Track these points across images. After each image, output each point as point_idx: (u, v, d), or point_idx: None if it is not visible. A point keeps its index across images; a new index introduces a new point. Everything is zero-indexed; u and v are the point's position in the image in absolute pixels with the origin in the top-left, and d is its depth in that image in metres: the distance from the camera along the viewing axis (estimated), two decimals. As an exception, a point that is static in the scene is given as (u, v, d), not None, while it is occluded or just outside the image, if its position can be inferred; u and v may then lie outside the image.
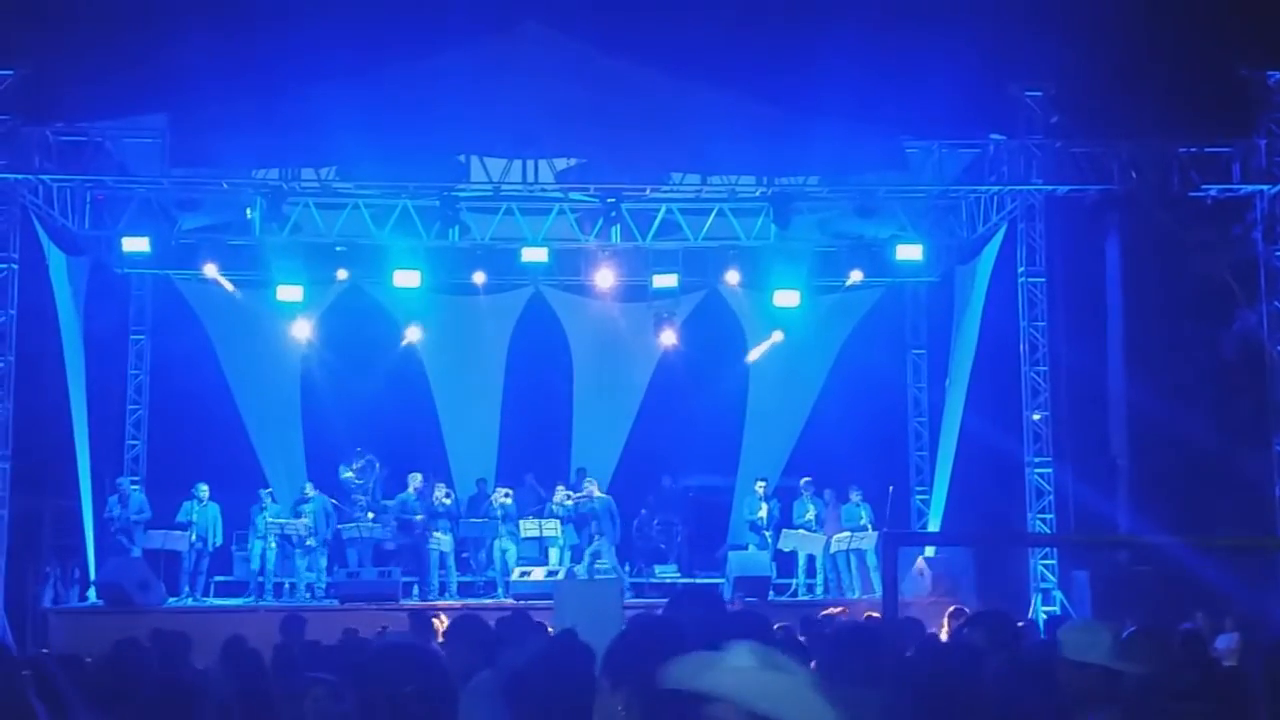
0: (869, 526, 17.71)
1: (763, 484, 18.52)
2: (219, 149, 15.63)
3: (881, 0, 16.42)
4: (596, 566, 17.69)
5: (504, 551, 17.75)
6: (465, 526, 17.99)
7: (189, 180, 16.46)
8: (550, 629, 8.33)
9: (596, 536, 17.87)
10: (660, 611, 4.71)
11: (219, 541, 17.79)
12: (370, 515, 18.05)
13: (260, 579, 17.55)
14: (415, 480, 17.98)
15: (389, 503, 18.14)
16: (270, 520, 17.51)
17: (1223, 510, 15.83)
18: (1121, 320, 18.55)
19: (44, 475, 17.20)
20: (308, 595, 17.47)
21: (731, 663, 2.79)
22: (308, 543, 17.53)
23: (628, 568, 18.42)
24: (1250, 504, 15.99)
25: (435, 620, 9.93)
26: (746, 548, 18.14)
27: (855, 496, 18.06)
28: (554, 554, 18.04)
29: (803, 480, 18.45)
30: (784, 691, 2.73)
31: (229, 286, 18.72)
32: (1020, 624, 8.82)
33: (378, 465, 18.56)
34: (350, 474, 18.44)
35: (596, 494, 18.13)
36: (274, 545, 17.53)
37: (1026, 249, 16.88)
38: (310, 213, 17.41)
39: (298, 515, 17.63)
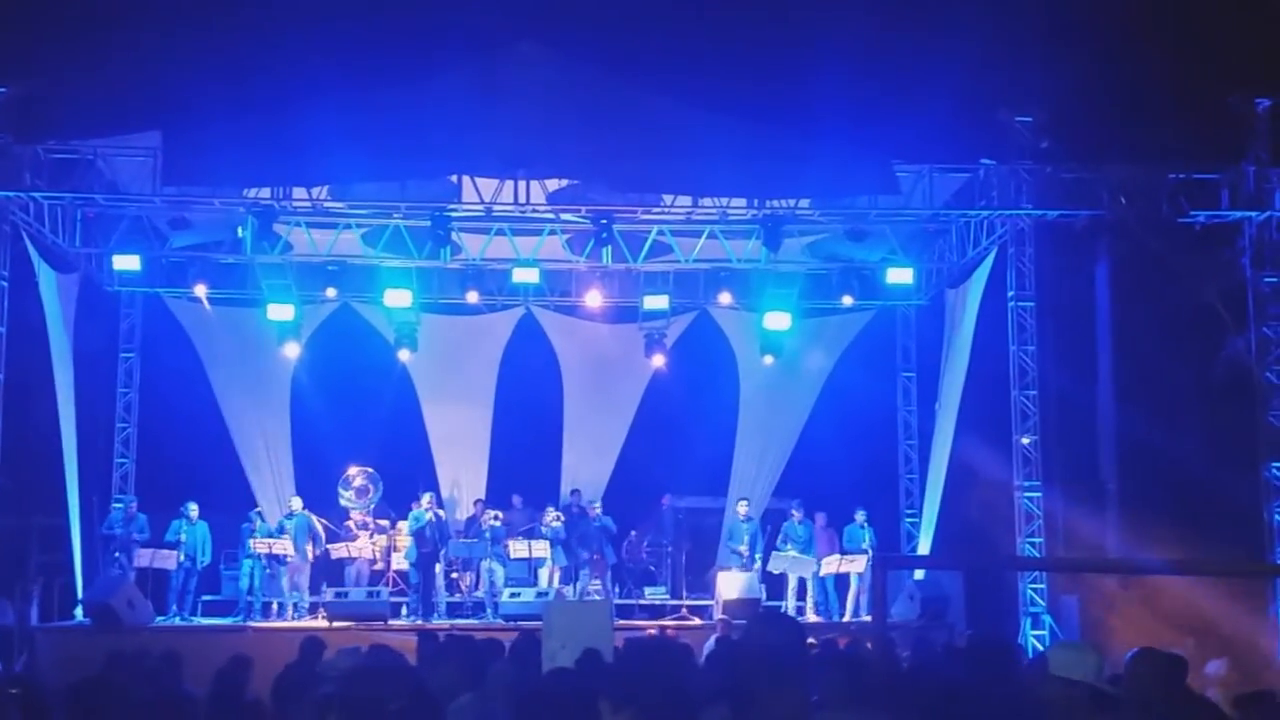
0: (870, 550, 17.66)
1: (745, 504, 18.51)
2: (211, 168, 15.62)
3: (873, 25, 16.50)
4: (589, 589, 17.68)
5: (491, 572, 17.72)
6: (455, 547, 17.95)
7: (180, 199, 16.44)
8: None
9: (596, 557, 17.94)
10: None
11: (207, 560, 17.73)
12: (375, 538, 18.03)
13: (249, 598, 17.50)
14: (427, 500, 17.90)
15: (405, 523, 18.06)
16: (258, 539, 17.45)
17: (1212, 535, 15.86)
18: (1111, 345, 18.61)
19: (32, 493, 17.15)
20: (294, 615, 17.41)
21: None
22: (288, 560, 17.47)
23: (617, 589, 18.41)
24: (1239, 528, 16.02)
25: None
26: (732, 569, 18.11)
27: (860, 517, 18.01)
28: (543, 575, 18.03)
29: (793, 503, 18.45)
30: None
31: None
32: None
33: (374, 488, 18.51)
34: (349, 494, 18.40)
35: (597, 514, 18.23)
36: (263, 564, 17.46)
37: (1016, 273, 16.93)
38: (302, 232, 17.43)
39: (281, 532, 17.59)
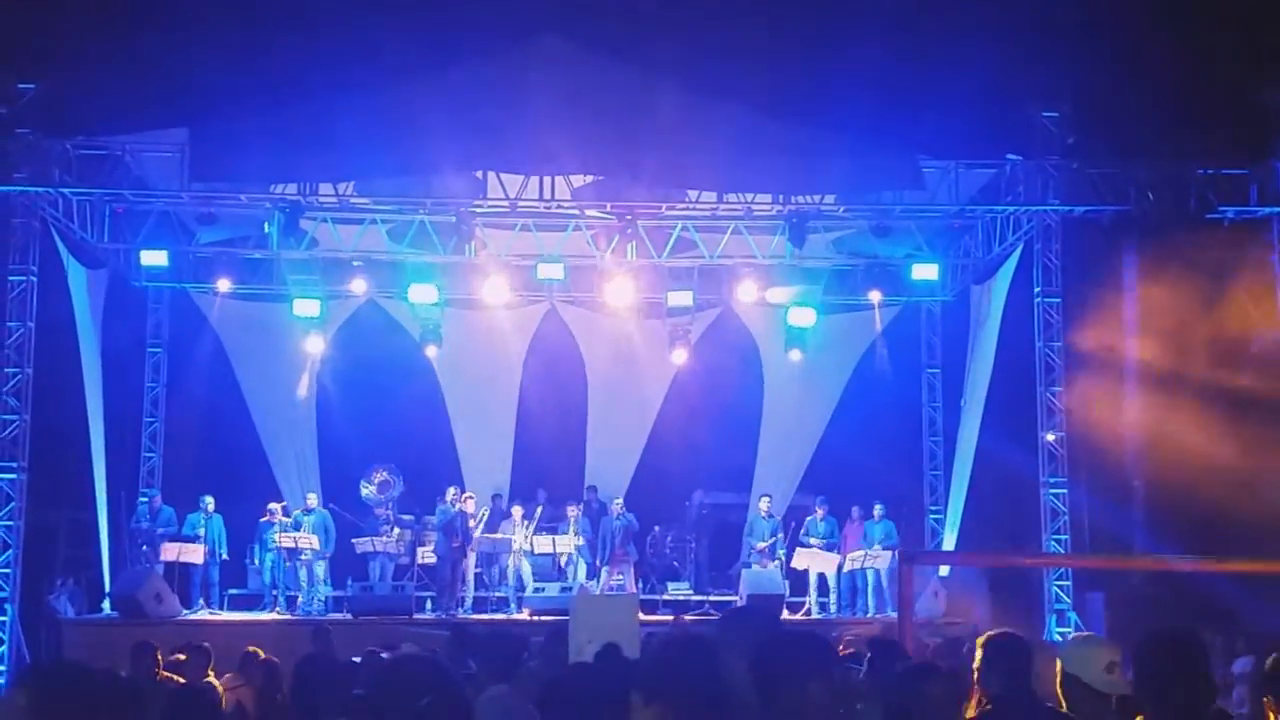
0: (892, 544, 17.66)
1: (766, 500, 18.51)
2: (238, 164, 15.70)
3: (899, 21, 16.46)
4: (612, 583, 17.70)
5: (518, 567, 17.77)
6: (481, 542, 17.99)
7: (208, 195, 16.52)
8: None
9: (620, 553, 17.99)
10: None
11: (224, 553, 17.82)
12: (397, 532, 18.11)
13: (273, 591, 17.59)
14: (451, 494, 17.96)
15: (432, 518, 18.12)
16: (279, 533, 17.53)
17: (1240, 532, 15.75)
18: (1137, 341, 18.50)
19: (60, 487, 17.27)
20: (320, 607, 17.49)
21: None
22: (303, 556, 17.54)
23: (640, 584, 18.42)
24: (1268, 525, 15.91)
25: None
26: (752, 566, 18.11)
27: (876, 512, 18.01)
28: (570, 570, 18.06)
29: (817, 499, 18.43)
30: None
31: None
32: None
33: (396, 482, 18.57)
34: (371, 489, 18.47)
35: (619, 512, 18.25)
36: (284, 559, 17.54)
37: (1042, 269, 16.84)
38: (328, 227, 17.49)
39: (298, 527, 17.67)
